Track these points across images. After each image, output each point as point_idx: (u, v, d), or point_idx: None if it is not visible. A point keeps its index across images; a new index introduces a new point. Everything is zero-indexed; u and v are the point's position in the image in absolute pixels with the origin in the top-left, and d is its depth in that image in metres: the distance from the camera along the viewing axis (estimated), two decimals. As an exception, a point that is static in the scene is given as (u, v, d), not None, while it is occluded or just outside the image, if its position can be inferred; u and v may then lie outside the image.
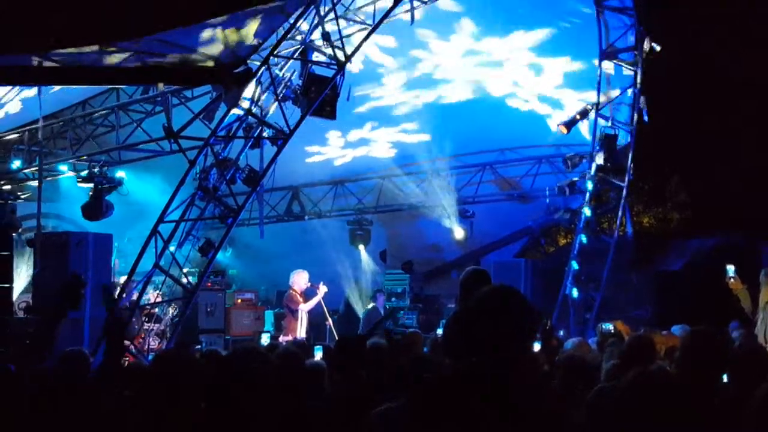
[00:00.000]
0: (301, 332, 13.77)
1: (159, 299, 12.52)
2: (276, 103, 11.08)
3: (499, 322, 3.18)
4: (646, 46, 14.02)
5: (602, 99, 14.71)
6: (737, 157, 19.09)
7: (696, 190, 21.30)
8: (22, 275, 14.90)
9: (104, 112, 13.81)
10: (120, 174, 14.06)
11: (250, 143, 11.34)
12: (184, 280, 11.67)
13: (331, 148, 16.93)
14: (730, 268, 9.27)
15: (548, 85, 14.95)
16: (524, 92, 15.13)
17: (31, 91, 12.75)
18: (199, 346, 12.29)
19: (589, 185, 15.21)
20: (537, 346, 7.94)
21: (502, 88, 15.02)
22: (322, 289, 13.95)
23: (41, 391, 5.87)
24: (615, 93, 14.76)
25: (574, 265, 15.29)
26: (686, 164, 20.53)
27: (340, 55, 10.97)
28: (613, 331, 9.95)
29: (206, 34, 10.18)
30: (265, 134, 11.26)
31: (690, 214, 22.16)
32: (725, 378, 5.62)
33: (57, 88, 12.58)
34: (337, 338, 12.71)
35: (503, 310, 3.22)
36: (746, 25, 17.45)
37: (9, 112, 13.87)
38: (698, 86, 18.21)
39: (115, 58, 10.31)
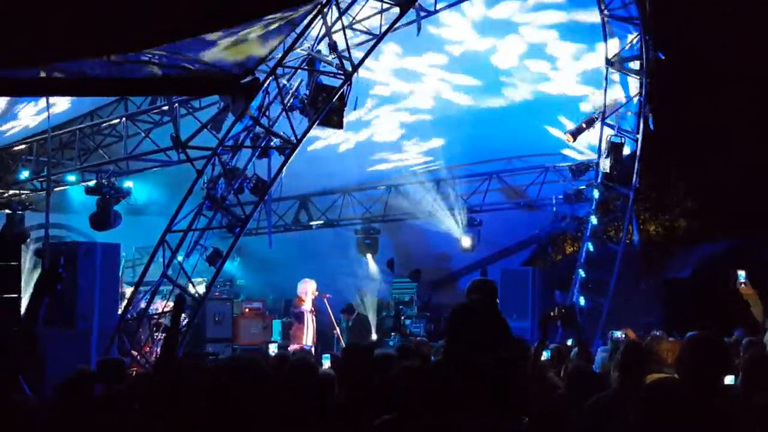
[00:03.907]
0: (307, 339, 13.80)
1: (167, 309, 12.55)
2: (283, 113, 11.12)
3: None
4: (651, 54, 14.07)
5: (608, 107, 14.75)
6: (729, 148, 18.88)
7: (699, 191, 21.12)
8: (31, 285, 14.94)
9: (112, 122, 13.87)
10: (128, 184, 14.12)
11: (257, 153, 11.36)
12: (192, 290, 11.70)
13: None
14: (741, 273, 9.27)
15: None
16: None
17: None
18: (212, 357, 12.28)
19: (596, 193, 15.24)
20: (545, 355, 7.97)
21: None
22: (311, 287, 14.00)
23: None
24: (621, 101, 14.81)
25: (582, 273, 15.30)
26: (680, 156, 20.31)
27: (347, 65, 11.01)
28: (623, 338, 9.98)
29: (214, 44, 10.23)
30: (272, 144, 11.29)
31: (697, 221, 22.08)
32: (731, 381, 5.64)
33: (65, 99, 12.64)
34: (344, 347, 12.73)
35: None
36: (736, 9, 17.19)
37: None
38: (689, 75, 17.96)
39: (123, 69, 10.35)
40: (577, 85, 14.99)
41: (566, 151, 16.05)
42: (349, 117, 11.58)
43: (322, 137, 15.48)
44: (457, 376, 3.22)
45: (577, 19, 13.68)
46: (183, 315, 11.39)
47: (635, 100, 14.75)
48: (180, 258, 11.42)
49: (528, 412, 3.28)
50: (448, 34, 13.29)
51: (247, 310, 16.53)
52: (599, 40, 14.22)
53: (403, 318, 17.30)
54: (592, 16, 13.84)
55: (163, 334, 12.97)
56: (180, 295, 7.30)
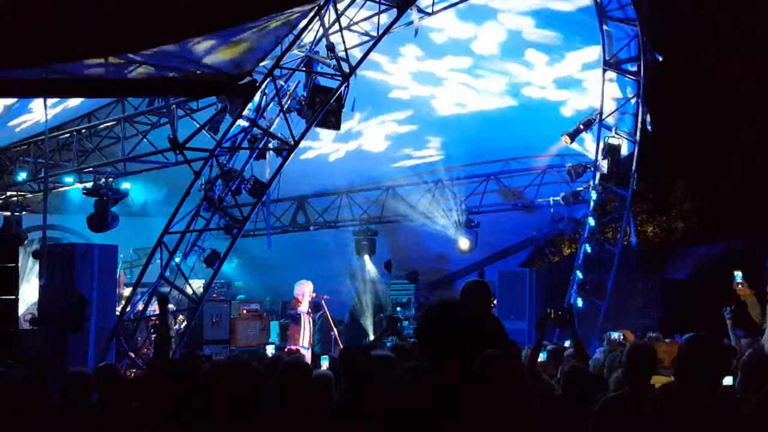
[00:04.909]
0: (304, 341, 13.78)
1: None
2: (281, 114, 11.12)
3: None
4: (648, 56, 14.07)
5: (606, 109, 14.74)
6: (728, 149, 18.83)
7: (696, 192, 21.12)
8: (28, 287, 14.94)
9: (110, 123, 13.85)
10: (125, 185, 14.10)
11: (255, 154, 11.36)
12: (190, 291, 11.69)
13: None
14: (738, 275, 9.24)
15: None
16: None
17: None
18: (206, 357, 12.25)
19: (593, 195, 15.23)
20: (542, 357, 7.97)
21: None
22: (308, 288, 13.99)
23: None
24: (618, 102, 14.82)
25: (579, 274, 15.30)
26: (679, 157, 20.24)
27: (344, 66, 11.00)
28: (621, 339, 9.97)
29: (211, 45, 10.23)
30: (270, 145, 11.28)
31: (695, 223, 22.09)
32: (730, 381, 5.64)
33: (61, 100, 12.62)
34: (341, 348, 12.72)
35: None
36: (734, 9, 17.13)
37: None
38: (687, 76, 17.91)
39: (120, 71, 10.35)
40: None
41: (564, 153, 16.04)
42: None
43: (314, 147, 15.50)
44: (455, 375, 3.21)
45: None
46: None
47: (633, 101, 14.75)
48: (178, 259, 11.42)
49: (528, 411, 3.27)
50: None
51: (244, 311, 16.48)
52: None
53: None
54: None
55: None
56: (160, 293, 7.21)
